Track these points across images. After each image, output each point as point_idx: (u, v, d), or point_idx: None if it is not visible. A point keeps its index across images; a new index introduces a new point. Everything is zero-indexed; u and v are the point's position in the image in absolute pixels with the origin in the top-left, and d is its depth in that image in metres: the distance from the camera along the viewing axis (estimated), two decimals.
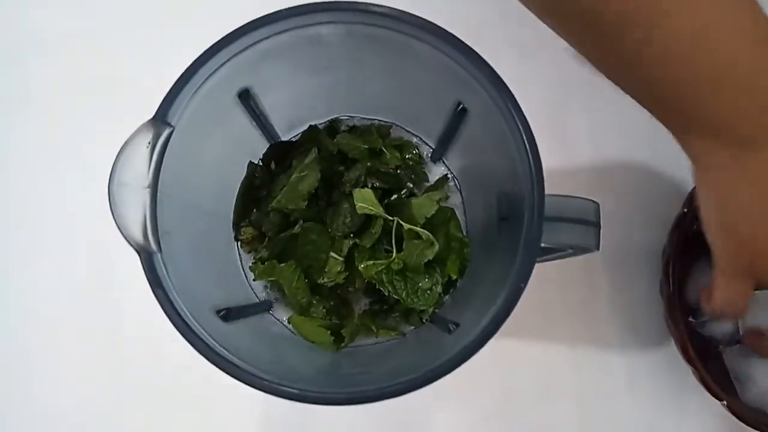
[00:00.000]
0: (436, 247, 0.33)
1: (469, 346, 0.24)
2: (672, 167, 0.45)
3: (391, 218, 0.33)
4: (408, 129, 0.39)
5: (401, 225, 0.33)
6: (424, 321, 0.36)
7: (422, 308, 0.34)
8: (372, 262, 0.33)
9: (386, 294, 0.34)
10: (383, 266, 0.33)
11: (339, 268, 0.35)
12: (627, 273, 0.44)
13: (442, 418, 0.42)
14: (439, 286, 0.34)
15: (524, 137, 0.24)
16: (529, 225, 0.25)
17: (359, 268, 0.34)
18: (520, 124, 0.24)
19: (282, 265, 0.34)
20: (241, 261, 0.37)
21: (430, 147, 0.39)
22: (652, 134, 0.44)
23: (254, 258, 0.37)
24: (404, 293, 0.34)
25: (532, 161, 0.24)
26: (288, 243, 0.35)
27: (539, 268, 0.41)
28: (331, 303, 0.36)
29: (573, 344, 0.44)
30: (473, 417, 0.42)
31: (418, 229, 0.33)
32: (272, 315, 0.36)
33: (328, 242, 0.35)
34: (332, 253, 0.35)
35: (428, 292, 0.34)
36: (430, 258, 0.33)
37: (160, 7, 0.46)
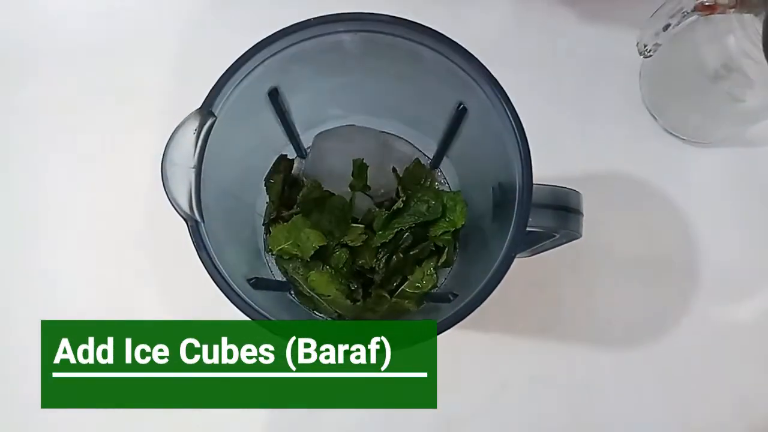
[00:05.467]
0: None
1: (468, 304, 0.28)
2: (662, 178, 0.50)
3: None
4: (410, 141, 0.44)
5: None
6: (425, 302, 0.40)
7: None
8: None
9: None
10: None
11: (359, 231, 0.40)
12: (618, 274, 0.49)
13: (433, 411, 0.45)
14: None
15: (514, 125, 0.29)
16: (520, 197, 0.29)
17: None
18: (510, 116, 0.29)
19: (296, 217, 0.39)
20: (264, 244, 0.42)
21: (428, 157, 0.44)
22: (639, 146, 0.50)
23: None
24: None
25: (520, 142, 0.29)
26: (316, 205, 0.40)
27: (534, 268, 0.45)
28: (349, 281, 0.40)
29: (566, 339, 0.47)
30: (464, 410, 0.46)
31: None
32: (290, 294, 0.40)
33: (351, 210, 0.40)
34: (353, 224, 0.40)
35: None
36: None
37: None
